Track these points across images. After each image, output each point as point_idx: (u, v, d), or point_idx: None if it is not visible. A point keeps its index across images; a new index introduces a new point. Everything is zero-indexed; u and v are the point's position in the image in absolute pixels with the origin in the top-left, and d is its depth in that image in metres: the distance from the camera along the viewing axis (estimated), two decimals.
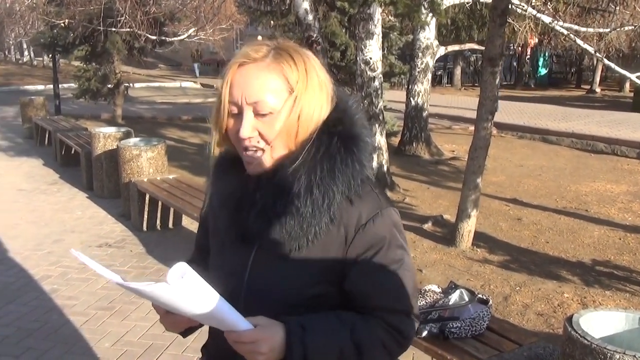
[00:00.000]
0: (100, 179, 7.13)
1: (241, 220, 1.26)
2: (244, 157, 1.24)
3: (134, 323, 3.97)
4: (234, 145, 1.27)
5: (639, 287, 4.63)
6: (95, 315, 4.09)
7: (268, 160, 1.23)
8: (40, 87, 21.92)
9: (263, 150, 1.22)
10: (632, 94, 16.86)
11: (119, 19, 9.19)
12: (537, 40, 18.80)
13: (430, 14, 6.22)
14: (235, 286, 1.28)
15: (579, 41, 8.25)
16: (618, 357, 1.97)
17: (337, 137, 1.21)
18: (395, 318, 1.26)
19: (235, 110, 1.21)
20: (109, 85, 13.46)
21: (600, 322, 2.27)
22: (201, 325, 1.34)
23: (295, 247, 1.22)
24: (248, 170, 1.25)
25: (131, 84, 16.32)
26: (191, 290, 1.05)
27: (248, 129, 1.20)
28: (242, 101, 1.19)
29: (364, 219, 1.23)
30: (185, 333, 1.37)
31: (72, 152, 8.64)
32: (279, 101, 1.19)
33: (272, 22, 10.39)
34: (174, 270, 1.04)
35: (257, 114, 1.20)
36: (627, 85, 20.42)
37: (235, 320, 1.12)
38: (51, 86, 14.70)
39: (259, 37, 13.89)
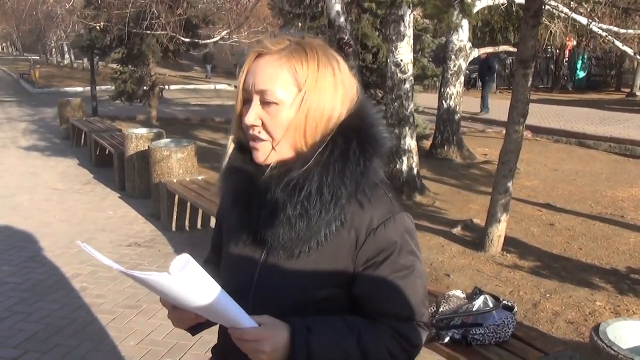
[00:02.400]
0: (132, 179, 7.24)
1: (252, 219, 1.25)
2: (251, 144, 1.25)
3: (159, 322, 4.00)
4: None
5: None
6: (122, 313, 4.14)
7: (272, 153, 1.23)
8: (80, 88, 22.43)
9: (265, 141, 1.22)
10: None
11: (153, 21, 9.32)
12: (575, 42, 18.43)
13: (461, 16, 6.13)
14: (244, 286, 1.27)
15: (617, 43, 8.05)
16: None
17: (354, 141, 1.20)
18: (403, 326, 1.23)
19: (247, 97, 1.24)
20: (144, 87, 13.69)
21: (629, 331, 2.19)
22: (209, 324, 1.33)
23: (305, 249, 1.20)
24: (255, 158, 1.25)
25: (166, 86, 16.56)
26: (192, 282, 1.04)
27: (252, 116, 1.21)
28: (252, 89, 1.21)
29: (375, 223, 1.21)
30: (193, 331, 1.37)
31: (106, 152, 8.80)
32: (285, 94, 1.19)
33: (300, 24, 10.40)
34: (176, 261, 1.03)
35: (263, 102, 1.21)
36: None
37: (240, 317, 1.11)
38: (90, 88, 15.03)
39: None
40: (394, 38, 6.72)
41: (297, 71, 1.20)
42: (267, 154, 1.23)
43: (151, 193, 6.57)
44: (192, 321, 1.26)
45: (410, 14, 6.49)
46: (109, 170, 8.38)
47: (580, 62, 23.53)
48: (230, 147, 1.33)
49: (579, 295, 4.45)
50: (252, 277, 1.27)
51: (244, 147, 1.29)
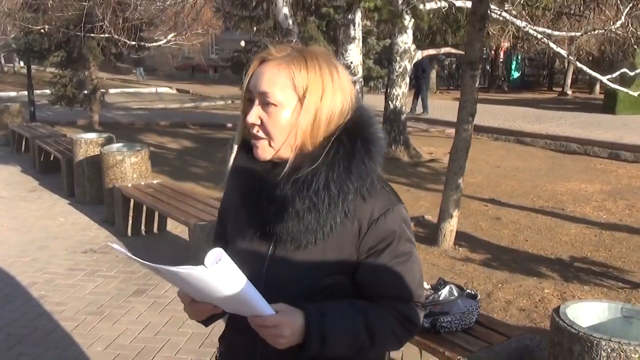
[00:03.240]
0: (82, 185, 7.11)
1: (261, 215, 1.34)
2: (252, 142, 1.35)
3: (125, 327, 3.99)
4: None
5: (615, 281, 4.79)
6: (85, 320, 4.10)
7: (269, 149, 1.33)
8: (13, 93, 21.56)
9: (263, 139, 1.32)
10: (602, 96, 17.27)
11: (97, 24, 9.15)
12: (509, 44, 19.15)
13: (409, 19, 6.33)
14: (254, 277, 1.35)
15: (552, 44, 8.46)
16: (604, 344, 2.08)
17: (359, 140, 1.31)
18: (404, 307, 1.35)
19: (250, 98, 1.34)
20: (85, 92, 13.38)
21: (585, 312, 2.39)
22: (222, 315, 1.40)
23: (312, 240, 1.30)
24: (255, 154, 1.35)
25: (106, 90, 16.20)
26: (225, 274, 1.12)
27: (253, 115, 1.31)
28: (255, 90, 1.32)
29: (376, 214, 1.32)
30: (207, 322, 1.45)
31: (52, 158, 8.59)
32: (284, 97, 1.29)
33: (252, 27, 10.43)
34: (210, 255, 1.11)
35: (263, 104, 1.31)
36: (597, 87, 20.91)
37: (261, 306, 1.20)
38: (24, 92, 14.54)
39: (242, 43, 13.92)
40: (343, 41, 6.87)
41: (296, 77, 1.30)
42: (264, 150, 1.33)
43: (104, 198, 6.47)
44: (209, 312, 1.34)
45: (360, 18, 6.66)
46: (56, 176, 8.18)
47: (514, 63, 24.48)
48: (236, 146, 1.43)
49: (528, 284, 4.71)
50: (261, 269, 1.36)
51: (249, 146, 1.39)
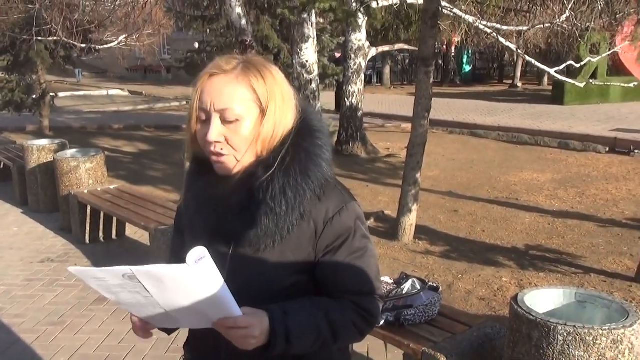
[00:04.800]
0: (36, 193, 6.93)
1: (217, 221, 1.36)
2: (212, 159, 1.35)
3: (87, 336, 3.93)
4: (202, 149, 1.37)
5: (569, 267, 4.97)
6: (46, 331, 4.02)
7: (234, 163, 1.34)
8: None
9: (228, 155, 1.33)
10: (550, 87, 17.77)
11: (45, 27, 8.91)
12: (460, 39, 19.53)
13: (363, 17, 6.39)
14: None
15: (501, 39, 8.68)
16: (560, 328, 2.17)
17: (310, 144, 1.35)
18: (363, 299, 1.39)
19: (203, 116, 1.32)
20: (34, 96, 13.03)
21: (542, 299, 2.48)
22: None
23: (271, 243, 1.33)
24: (217, 171, 1.35)
25: (56, 94, 15.79)
26: (206, 274, 1.12)
27: (215, 134, 1.30)
28: (211, 108, 1.30)
29: (331, 213, 1.35)
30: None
31: (1, 166, 8.35)
32: (245, 110, 1.30)
33: (204, 27, 10.34)
34: (193, 253, 1.10)
35: (224, 120, 1.30)
36: (546, 79, 21.50)
37: (233, 307, 1.21)
38: None
39: (196, 45, 13.77)
40: (298, 40, 6.90)
41: (255, 87, 1.32)
42: (232, 166, 1.34)
43: (59, 206, 6.33)
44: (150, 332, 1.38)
45: (315, 17, 6.69)
46: (7, 185, 7.95)
47: (465, 57, 24.95)
48: (187, 164, 1.45)
49: (486, 274, 4.84)
50: (221, 274, 1.38)
51: (201, 159, 1.40)
